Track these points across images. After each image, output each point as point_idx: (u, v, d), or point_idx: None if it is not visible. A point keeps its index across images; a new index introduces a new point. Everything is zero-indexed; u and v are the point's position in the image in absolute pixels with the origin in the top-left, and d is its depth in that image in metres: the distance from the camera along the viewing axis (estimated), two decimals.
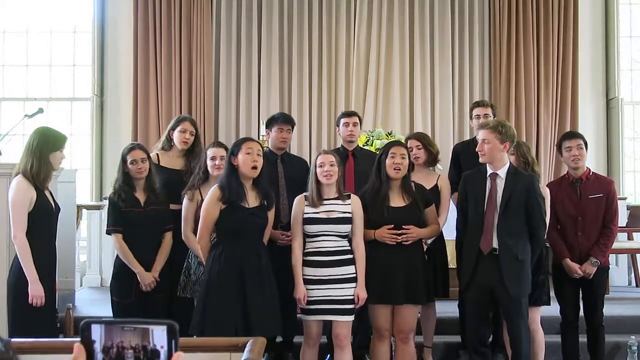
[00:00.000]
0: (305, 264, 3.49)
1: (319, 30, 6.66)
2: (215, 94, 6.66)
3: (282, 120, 4.24)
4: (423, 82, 6.65)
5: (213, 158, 3.75)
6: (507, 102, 6.57)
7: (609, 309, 4.24)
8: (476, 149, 3.68)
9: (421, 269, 3.61)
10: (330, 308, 3.44)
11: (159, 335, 1.11)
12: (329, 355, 4.04)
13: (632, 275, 6.28)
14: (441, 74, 6.66)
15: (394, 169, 3.56)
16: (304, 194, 3.59)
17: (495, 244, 3.57)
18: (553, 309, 4.01)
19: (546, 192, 3.87)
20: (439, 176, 4.18)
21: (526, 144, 4.20)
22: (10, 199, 3.41)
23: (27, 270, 3.34)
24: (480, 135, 3.65)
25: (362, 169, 4.03)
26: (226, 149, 3.70)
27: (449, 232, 4.10)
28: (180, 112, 6.30)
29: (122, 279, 3.74)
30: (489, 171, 3.65)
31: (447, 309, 4.42)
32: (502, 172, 3.63)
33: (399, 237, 3.53)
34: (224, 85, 6.66)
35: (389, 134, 5.80)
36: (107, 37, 6.79)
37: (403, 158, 3.58)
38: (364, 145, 5.21)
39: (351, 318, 3.49)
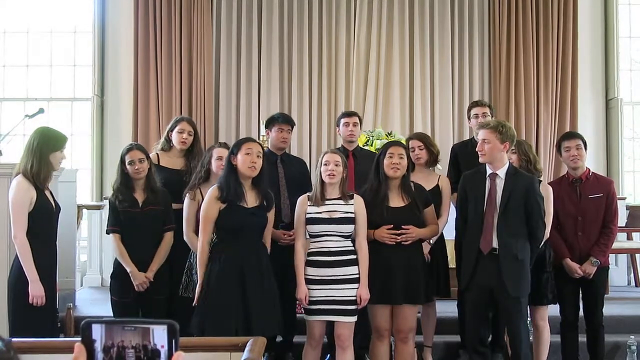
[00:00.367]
0: (308, 264, 3.49)
1: (319, 31, 6.66)
2: (215, 94, 6.66)
3: (282, 121, 4.25)
4: (423, 82, 6.65)
5: (220, 158, 3.75)
6: (507, 102, 6.57)
7: (609, 309, 4.24)
8: (476, 149, 3.68)
9: (421, 269, 3.61)
10: (333, 309, 3.44)
11: (159, 335, 1.11)
12: (328, 355, 4.04)
13: (632, 275, 6.28)
14: (441, 74, 6.66)
15: (392, 169, 3.56)
16: (307, 194, 3.59)
17: (495, 244, 3.57)
18: (553, 309, 4.01)
19: (549, 191, 3.87)
20: (440, 176, 4.18)
21: (527, 142, 4.20)
22: (10, 199, 3.41)
23: (28, 270, 3.34)
24: (481, 135, 3.65)
25: (362, 169, 4.03)
26: None
27: (449, 232, 4.11)
28: (181, 113, 6.30)
29: (120, 278, 3.75)
30: (489, 171, 3.66)
31: (447, 309, 4.42)
32: (502, 172, 3.63)
33: (398, 237, 3.54)
34: (224, 86, 6.66)
35: (389, 134, 5.81)
36: (108, 38, 6.79)
37: (401, 158, 3.58)
38: (364, 145, 5.22)
39: (354, 319, 3.49)
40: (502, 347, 4.16)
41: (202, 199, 3.61)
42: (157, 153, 4.18)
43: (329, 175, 3.48)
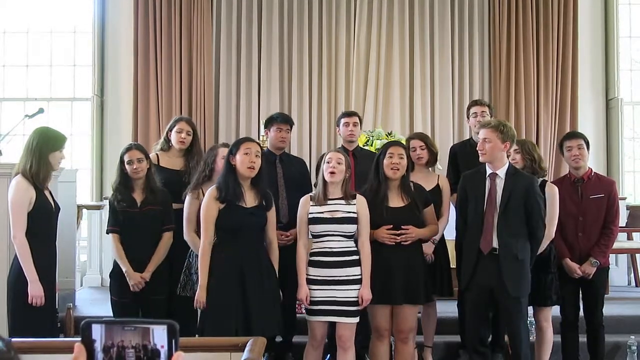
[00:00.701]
0: (311, 264, 3.49)
1: (319, 31, 6.66)
2: (215, 94, 6.66)
3: (281, 120, 4.24)
4: (423, 82, 6.65)
5: (225, 158, 3.74)
6: (507, 102, 6.57)
7: (609, 309, 4.24)
8: (477, 148, 3.68)
9: (420, 269, 3.60)
10: (335, 309, 3.44)
11: (159, 335, 1.11)
12: (328, 355, 4.04)
13: (632, 275, 6.28)
14: (441, 74, 6.66)
15: (392, 169, 3.56)
16: (310, 194, 3.59)
17: (495, 244, 3.57)
18: (554, 309, 4.00)
19: (554, 191, 3.86)
20: (439, 176, 4.19)
21: (531, 142, 4.20)
22: (9, 199, 3.41)
23: (27, 271, 3.34)
24: (481, 134, 3.65)
25: (362, 169, 4.03)
26: None
27: (449, 232, 4.11)
28: (181, 113, 6.31)
29: (119, 278, 3.75)
30: (489, 171, 3.65)
31: (447, 309, 4.42)
32: (502, 172, 3.63)
33: (398, 238, 3.53)
34: (224, 86, 6.66)
35: (389, 134, 5.80)
36: (108, 38, 6.79)
37: (401, 158, 3.57)
38: (364, 146, 5.21)
39: (355, 320, 3.49)
40: (502, 347, 4.16)
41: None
42: (157, 154, 4.18)
43: (330, 172, 3.47)
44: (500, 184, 3.61)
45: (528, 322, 3.81)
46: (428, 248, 3.90)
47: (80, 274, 5.80)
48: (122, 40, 6.74)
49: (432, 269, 3.87)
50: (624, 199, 6.26)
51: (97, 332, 1.12)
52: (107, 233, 3.84)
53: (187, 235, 3.70)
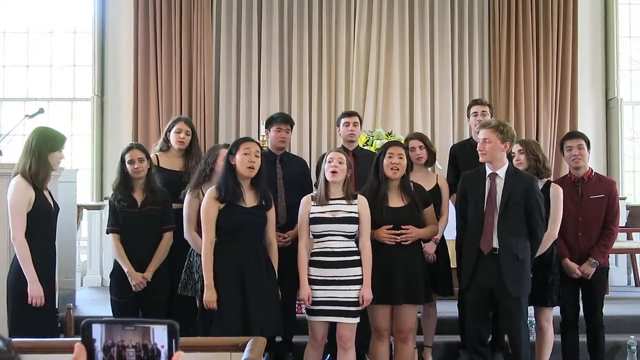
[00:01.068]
0: (312, 264, 3.49)
1: (319, 30, 6.66)
2: (215, 94, 6.66)
3: (281, 120, 4.25)
4: (423, 82, 6.65)
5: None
6: (507, 102, 6.57)
7: (609, 309, 4.24)
8: (477, 148, 3.68)
9: (420, 269, 3.61)
10: (335, 309, 3.44)
11: (159, 335, 1.11)
12: (329, 355, 4.04)
13: (632, 275, 6.28)
14: (441, 74, 6.66)
15: (392, 169, 3.56)
16: (311, 194, 3.59)
17: (495, 244, 3.57)
18: (554, 309, 4.00)
19: (559, 191, 3.86)
20: (438, 176, 4.19)
21: (535, 142, 4.20)
22: (8, 199, 3.39)
23: (27, 271, 3.33)
24: (481, 134, 3.65)
25: (362, 169, 4.03)
26: None
27: (449, 232, 4.11)
28: (181, 113, 6.30)
29: (119, 278, 3.75)
30: (488, 171, 3.66)
31: (447, 308, 4.43)
32: (502, 172, 3.63)
33: (398, 237, 3.53)
34: (224, 86, 6.66)
35: (389, 134, 5.81)
36: (108, 38, 6.79)
37: (401, 158, 3.58)
38: (364, 145, 5.22)
39: (356, 320, 3.49)
40: (502, 347, 4.15)
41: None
42: (156, 154, 4.18)
43: (331, 172, 3.47)
44: (500, 184, 3.62)
45: (528, 322, 3.82)
46: (430, 248, 3.90)
47: (80, 274, 5.80)
48: (122, 40, 6.74)
49: (432, 269, 3.86)
50: (624, 199, 6.27)
51: (97, 331, 1.12)
52: (107, 233, 3.84)
53: (188, 234, 3.70)
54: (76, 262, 5.34)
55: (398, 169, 3.56)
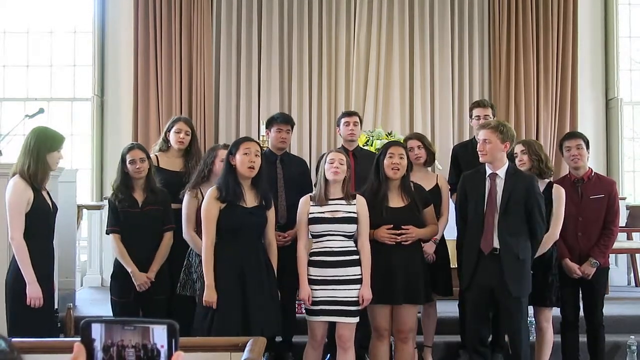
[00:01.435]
0: (311, 264, 3.49)
1: (319, 31, 6.66)
2: (215, 94, 6.66)
3: (281, 120, 4.25)
4: (423, 82, 6.65)
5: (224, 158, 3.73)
6: (507, 102, 6.57)
7: (609, 309, 4.24)
8: (477, 149, 3.68)
9: (420, 269, 3.61)
10: (335, 309, 3.44)
11: (159, 335, 1.11)
12: (328, 355, 4.04)
13: (632, 275, 6.28)
14: (441, 74, 6.65)
15: (392, 169, 3.56)
16: (310, 194, 3.59)
17: (496, 244, 3.57)
18: (554, 309, 4.00)
19: (561, 192, 3.86)
20: (438, 176, 4.19)
21: (537, 142, 4.20)
22: (7, 199, 3.37)
23: (25, 272, 3.31)
24: (481, 135, 3.65)
25: (362, 169, 4.03)
26: None
27: (449, 232, 4.11)
28: (181, 112, 6.30)
29: (120, 279, 3.75)
30: (488, 171, 3.66)
31: (448, 308, 4.42)
32: (502, 172, 3.63)
33: (398, 237, 3.53)
34: (224, 86, 6.66)
35: (389, 134, 5.81)
36: (108, 37, 6.79)
37: (401, 158, 3.58)
38: (364, 145, 5.22)
39: (355, 320, 3.49)
40: (502, 347, 4.15)
41: (203, 198, 3.62)
42: (156, 155, 4.18)
43: (333, 172, 3.47)
44: (500, 184, 3.62)
45: (528, 322, 3.82)
46: (429, 248, 3.90)
47: (80, 274, 5.80)
48: (122, 40, 6.74)
49: (432, 269, 3.86)
50: (624, 199, 6.27)
51: (97, 331, 1.12)
52: (107, 234, 3.83)
53: (187, 234, 3.70)
54: (76, 262, 5.34)
55: (398, 169, 3.56)
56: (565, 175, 4.17)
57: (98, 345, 1.12)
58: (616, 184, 4.14)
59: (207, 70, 6.55)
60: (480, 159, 3.68)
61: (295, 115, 6.26)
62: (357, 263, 3.47)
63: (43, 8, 6.97)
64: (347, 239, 3.49)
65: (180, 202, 3.77)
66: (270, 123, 4.29)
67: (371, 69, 6.64)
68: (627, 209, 6.23)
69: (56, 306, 3.69)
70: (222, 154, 3.74)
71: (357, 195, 3.56)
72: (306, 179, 4.30)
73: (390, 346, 3.74)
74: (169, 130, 4.20)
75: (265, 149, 4.12)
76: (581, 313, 4.02)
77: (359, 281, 3.45)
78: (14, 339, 2.07)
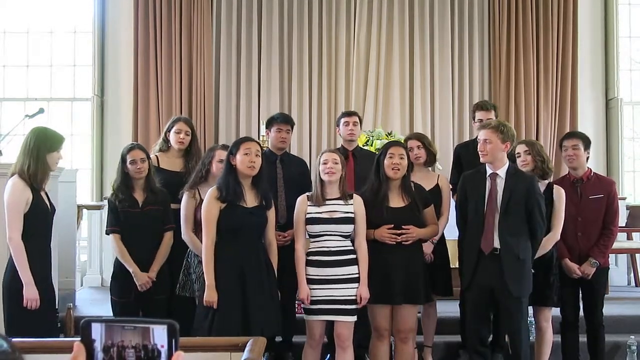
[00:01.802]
0: (308, 263, 3.49)
1: (319, 31, 6.66)
2: (215, 94, 6.67)
3: (281, 120, 4.25)
4: (423, 82, 6.66)
5: (221, 161, 3.71)
6: (507, 102, 6.57)
7: (609, 309, 4.24)
8: (478, 149, 3.68)
9: (420, 269, 3.61)
10: (333, 308, 3.45)
11: (159, 335, 1.11)
12: (328, 355, 4.04)
13: (632, 275, 6.28)
14: (441, 74, 6.66)
15: (393, 169, 3.56)
16: (307, 194, 3.59)
17: (496, 244, 3.57)
18: (553, 309, 4.00)
19: (561, 193, 3.86)
20: (439, 176, 4.19)
21: (539, 143, 4.21)
22: (5, 200, 3.36)
23: (22, 273, 3.29)
24: (482, 135, 3.65)
25: (362, 169, 4.03)
26: None
27: (450, 232, 4.11)
28: (181, 113, 6.30)
29: (121, 279, 3.74)
30: (489, 171, 3.66)
31: (448, 308, 4.42)
32: (502, 172, 3.63)
33: (399, 237, 3.54)
34: (224, 86, 6.66)
35: (389, 134, 5.81)
36: (108, 38, 6.79)
37: (402, 158, 3.58)
38: (364, 145, 5.22)
39: (353, 318, 3.49)
40: (502, 347, 4.15)
41: (200, 199, 3.62)
42: (156, 155, 4.17)
43: (327, 173, 3.48)
44: (500, 184, 3.62)
45: (528, 322, 3.82)
46: (427, 248, 3.90)
47: (80, 274, 5.80)
48: (122, 40, 6.74)
49: (431, 269, 3.86)
50: (624, 199, 6.27)
51: (97, 331, 1.12)
52: (107, 234, 3.82)
53: (186, 234, 3.70)
54: (76, 262, 5.34)
55: (399, 169, 3.56)
56: (565, 176, 4.17)
57: (98, 345, 1.11)
58: (615, 184, 4.14)
59: (207, 70, 6.55)
60: (480, 159, 3.68)
61: (295, 115, 6.27)
62: (354, 262, 3.48)
63: (43, 8, 6.97)
64: (344, 239, 3.50)
65: (180, 202, 3.77)
66: (270, 123, 4.29)
67: (371, 69, 6.64)
68: (627, 209, 6.23)
69: (56, 306, 3.67)
70: (220, 154, 3.74)
71: (354, 194, 3.57)
72: (306, 179, 4.29)
73: (390, 346, 3.74)
74: (169, 130, 4.20)
75: (265, 149, 4.12)
76: (581, 313, 4.02)
77: (356, 280, 3.46)
78: (14, 339, 2.07)
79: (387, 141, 4.83)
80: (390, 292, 3.52)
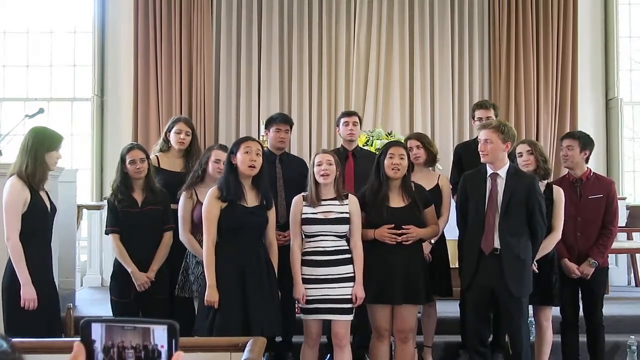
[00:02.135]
0: (304, 263, 3.49)
1: (319, 31, 6.67)
2: (215, 94, 6.67)
3: (280, 120, 4.25)
4: (423, 82, 6.66)
5: (217, 160, 3.72)
6: (507, 102, 6.58)
7: (609, 309, 4.24)
8: (478, 149, 3.68)
9: (420, 269, 3.61)
10: (329, 307, 3.45)
11: (159, 335, 1.11)
12: (329, 355, 4.04)
13: (632, 275, 6.28)
14: (441, 74, 6.66)
15: (393, 169, 3.56)
16: (302, 194, 3.59)
17: (497, 244, 3.57)
18: (553, 309, 4.00)
19: (560, 193, 3.86)
20: (439, 176, 4.18)
21: (538, 143, 4.21)
22: (3, 200, 3.35)
23: (20, 273, 3.29)
24: (482, 135, 3.65)
25: (362, 169, 4.03)
26: None
27: (450, 232, 4.10)
28: (181, 112, 6.31)
29: (120, 279, 3.74)
30: (489, 171, 3.66)
31: (448, 308, 4.42)
32: (503, 172, 3.63)
33: (399, 237, 3.54)
34: (224, 85, 6.66)
35: (389, 134, 5.81)
36: (108, 37, 6.80)
37: (402, 158, 3.58)
38: (364, 145, 5.22)
39: (350, 317, 3.50)
40: (503, 347, 4.15)
41: (197, 199, 3.62)
42: (156, 155, 4.17)
43: (322, 175, 3.48)
44: (501, 183, 3.62)
45: (528, 321, 3.82)
46: (425, 248, 3.90)
47: (80, 274, 5.80)
48: (122, 40, 6.75)
49: (430, 269, 3.86)
50: (624, 199, 6.26)
51: (97, 332, 1.12)
52: (107, 234, 3.82)
53: (183, 235, 3.70)
54: (76, 262, 5.34)
55: (399, 169, 3.56)
56: (564, 176, 4.17)
57: (98, 346, 1.11)
58: (615, 184, 4.14)
59: (207, 70, 6.56)
60: (481, 159, 3.67)
61: (295, 115, 6.28)
62: (350, 261, 3.48)
63: (43, 8, 6.97)
64: (339, 239, 3.50)
65: (177, 202, 3.76)
66: (269, 123, 4.29)
67: (371, 69, 6.64)
68: (627, 209, 6.23)
69: (59, 306, 3.67)
70: (216, 154, 3.74)
71: (350, 194, 3.57)
72: (305, 179, 4.29)
73: (390, 346, 3.74)
74: (169, 130, 4.20)
75: (264, 148, 4.12)
76: (581, 313, 4.02)
77: (351, 279, 3.46)
78: (14, 339, 2.07)
79: (387, 141, 4.83)
80: (390, 292, 3.52)
